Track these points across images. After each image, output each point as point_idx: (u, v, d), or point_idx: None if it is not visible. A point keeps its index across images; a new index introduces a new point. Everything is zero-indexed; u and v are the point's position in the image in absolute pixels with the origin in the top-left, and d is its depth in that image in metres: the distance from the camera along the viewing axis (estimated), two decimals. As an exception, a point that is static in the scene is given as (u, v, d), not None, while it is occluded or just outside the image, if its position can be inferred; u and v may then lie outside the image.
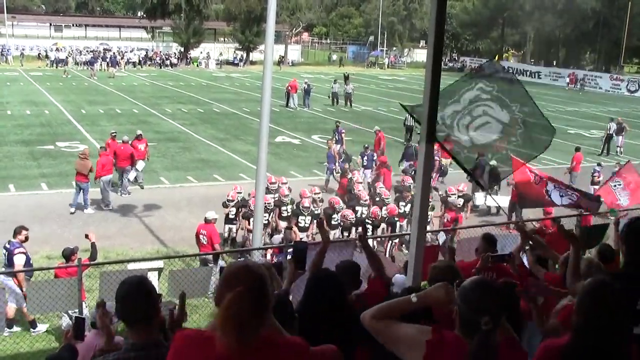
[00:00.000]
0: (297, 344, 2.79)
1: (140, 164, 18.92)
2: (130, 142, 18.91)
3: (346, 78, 41.59)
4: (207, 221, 12.55)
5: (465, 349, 2.91)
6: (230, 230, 14.46)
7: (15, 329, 10.54)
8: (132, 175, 18.16)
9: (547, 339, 4.15)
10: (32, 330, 10.46)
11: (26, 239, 10.59)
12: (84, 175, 16.56)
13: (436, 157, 19.77)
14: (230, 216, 14.39)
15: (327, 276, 4.43)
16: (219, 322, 2.53)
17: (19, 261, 10.31)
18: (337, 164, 19.37)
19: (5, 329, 10.24)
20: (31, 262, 10.68)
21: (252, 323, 2.54)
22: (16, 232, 10.69)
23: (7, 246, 10.54)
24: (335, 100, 39.63)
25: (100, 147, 18.25)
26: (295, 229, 13.64)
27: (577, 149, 21.20)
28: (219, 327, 2.52)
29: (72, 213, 16.41)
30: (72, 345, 4.97)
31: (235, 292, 2.51)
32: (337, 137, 22.86)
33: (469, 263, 6.78)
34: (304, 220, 13.98)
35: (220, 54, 70.53)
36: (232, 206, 14.32)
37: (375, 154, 20.09)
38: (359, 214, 14.46)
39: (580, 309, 3.18)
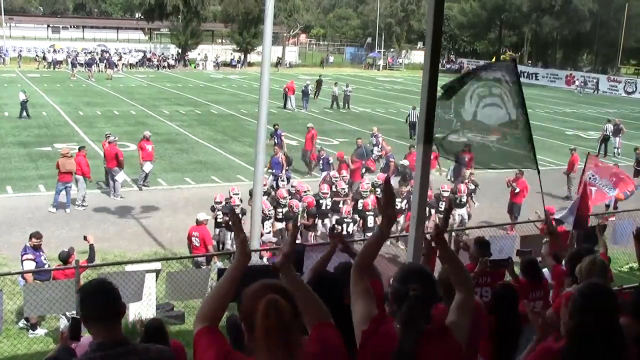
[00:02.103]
0: (334, 346, 2.78)
1: (148, 166, 18.98)
2: (116, 142, 18.81)
3: (319, 83, 42.04)
4: (198, 223, 12.55)
5: (395, 341, 2.93)
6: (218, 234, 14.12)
7: (40, 331, 10.57)
8: (120, 177, 18.09)
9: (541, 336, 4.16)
10: (30, 332, 10.45)
11: (34, 246, 10.53)
12: (70, 174, 16.58)
13: (391, 159, 19.71)
14: (219, 220, 13.94)
15: (327, 279, 4.42)
16: (259, 334, 2.37)
17: (26, 268, 10.29)
18: (283, 171, 18.33)
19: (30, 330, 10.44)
20: (46, 266, 10.65)
21: (296, 327, 2.41)
22: (29, 237, 10.70)
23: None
24: (335, 102, 39.51)
25: (79, 148, 18.18)
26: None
27: (573, 150, 21.20)
28: (262, 340, 2.37)
29: (67, 213, 16.49)
30: (69, 346, 4.96)
31: (267, 299, 2.39)
32: (276, 140, 21.82)
33: (467, 267, 6.78)
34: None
35: (218, 55, 70.49)
36: (219, 210, 13.99)
37: (330, 158, 19.40)
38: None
39: (573, 312, 3.18)
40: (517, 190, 16.56)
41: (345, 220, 13.88)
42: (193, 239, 12.42)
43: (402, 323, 2.94)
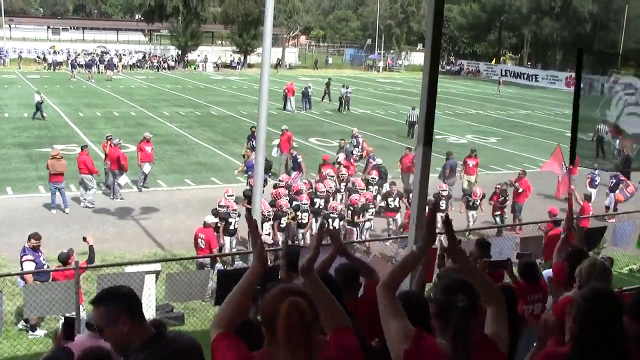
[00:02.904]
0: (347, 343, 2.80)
1: (146, 167, 19.02)
2: (120, 145, 18.86)
3: (328, 85, 41.97)
4: (205, 225, 12.54)
5: (442, 357, 2.90)
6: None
7: (39, 332, 10.56)
8: (122, 180, 18.08)
9: (542, 340, 4.15)
10: (30, 333, 10.44)
11: (33, 247, 10.53)
12: (61, 175, 16.61)
13: (371, 159, 19.68)
14: (217, 225, 13.64)
15: (326, 282, 4.39)
16: (281, 335, 2.42)
17: (26, 269, 10.31)
18: None
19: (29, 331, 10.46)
20: (45, 267, 10.65)
21: (316, 329, 2.46)
22: (28, 238, 10.70)
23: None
24: (343, 104, 39.07)
25: (82, 147, 18.28)
26: (275, 229, 13.85)
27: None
28: (284, 342, 2.41)
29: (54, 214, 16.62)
30: (64, 346, 4.95)
31: (289, 301, 2.44)
32: (253, 143, 20.34)
33: None
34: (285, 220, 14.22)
35: (219, 58, 70.47)
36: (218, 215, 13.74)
37: (300, 157, 19.33)
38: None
39: (577, 317, 3.17)
40: (520, 190, 16.72)
41: (331, 215, 14.20)
42: (199, 240, 12.42)
43: (452, 335, 2.90)
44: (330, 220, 14.16)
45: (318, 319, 2.49)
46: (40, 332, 10.52)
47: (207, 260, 12.09)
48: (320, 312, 2.63)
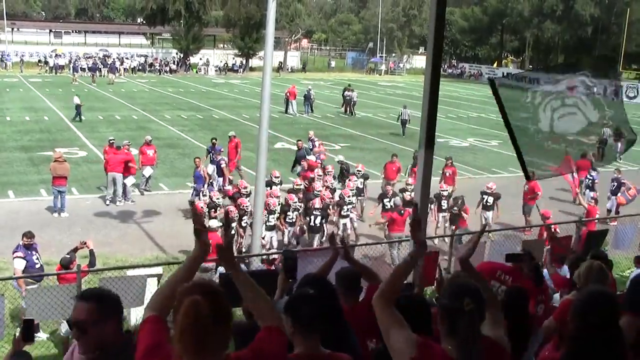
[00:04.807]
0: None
1: (147, 170, 19.03)
2: (124, 147, 18.91)
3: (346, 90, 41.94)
4: (211, 230, 12.51)
5: None
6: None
7: (41, 335, 10.56)
8: (129, 181, 18.21)
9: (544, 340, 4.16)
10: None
11: (26, 245, 10.60)
12: (64, 178, 16.66)
13: (318, 159, 19.56)
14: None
15: (320, 284, 4.36)
16: (176, 333, 2.34)
17: (16, 265, 10.47)
18: (205, 185, 17.39)
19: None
20: (37, 266, 10.73)
21: (217, 333, 2.37)
22: (22, 236, 10.81)
23: None
24: (348, 107, 38.95)
25: (117, 147, 18.61)
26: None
27: (583, 155, 21.06)
28: (177, 340, 2.34)
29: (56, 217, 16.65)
30: (23, 350, 4.83)
31: (189, 300, 2.33)
32: (213, 156, 19.78)
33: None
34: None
35: (226, 63, 70.46)
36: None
37: (223, 162, 18.88)
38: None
39: (574, 318, 3.18)
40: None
41: (314, 213, 14.49)
42: None
43: (460, 340, 2.87)
44: (313, 217, 14.43)
45: (221, 322, 2.38)
46: (42, 336, 10.51)
47: (211, 264, 12.07)
48: (250, 308, 2.64)
